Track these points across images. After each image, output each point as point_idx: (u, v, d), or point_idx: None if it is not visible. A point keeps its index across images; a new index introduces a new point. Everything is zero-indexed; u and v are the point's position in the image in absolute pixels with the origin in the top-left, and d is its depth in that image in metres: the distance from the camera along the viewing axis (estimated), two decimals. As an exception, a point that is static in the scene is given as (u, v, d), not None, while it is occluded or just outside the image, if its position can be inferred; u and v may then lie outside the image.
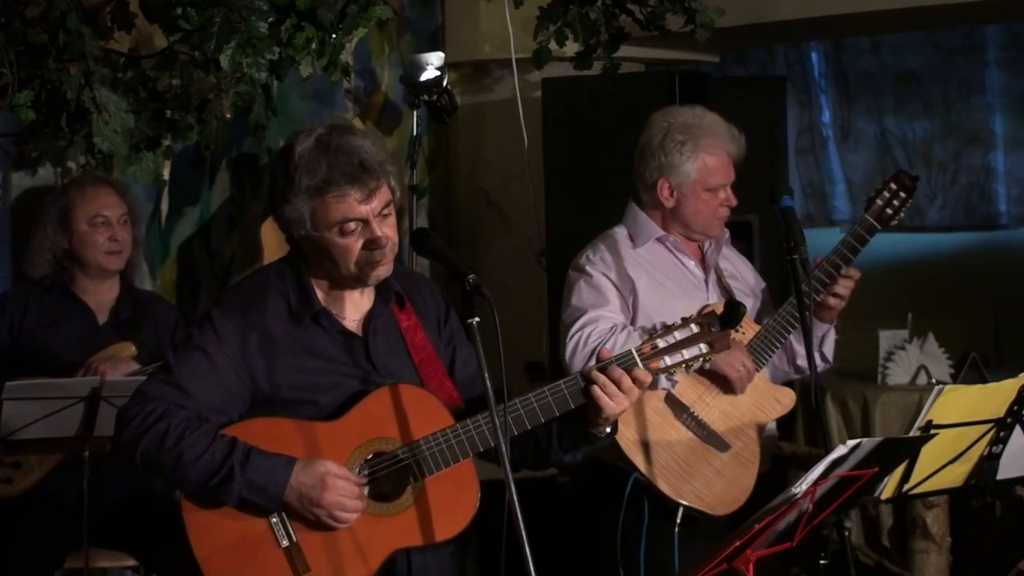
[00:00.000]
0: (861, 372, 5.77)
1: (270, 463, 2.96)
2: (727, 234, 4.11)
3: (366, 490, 3.02)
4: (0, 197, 4.94)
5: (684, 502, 3.82)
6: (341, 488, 2.95)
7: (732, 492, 3.86)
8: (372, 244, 3.00)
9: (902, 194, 3.99)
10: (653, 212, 4.03)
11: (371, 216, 2.99)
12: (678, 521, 3.83)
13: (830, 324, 4.05)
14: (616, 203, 4.22)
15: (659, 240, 4.02)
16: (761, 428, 3.96)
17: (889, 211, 3.99)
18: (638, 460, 3.81)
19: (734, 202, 4.00)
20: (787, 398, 4.01)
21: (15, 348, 4.54)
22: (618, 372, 3.02)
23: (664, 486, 3.82)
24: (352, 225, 2.99)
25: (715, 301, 3.98)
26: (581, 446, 3.15)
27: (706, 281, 4.05)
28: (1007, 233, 7.11)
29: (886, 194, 4.00)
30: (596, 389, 3.02)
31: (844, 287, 3.95)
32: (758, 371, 3.95)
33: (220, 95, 4.61)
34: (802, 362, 4.08)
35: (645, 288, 3.95)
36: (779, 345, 3.97)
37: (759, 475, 3.93)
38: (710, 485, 3.85)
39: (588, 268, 3.97)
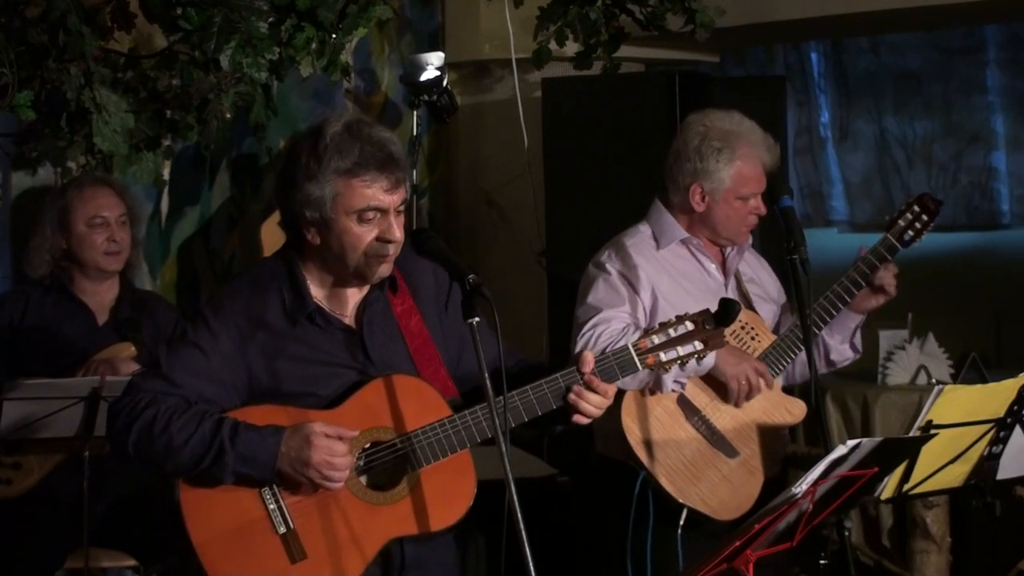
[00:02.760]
0: (861, 372, 5.76)
1: (258, 434, 2.96)
2: (749, 239, 4.10)
3: (360, 464, 3.02)
4: (0, 197, 4.94)
5: (688, 504, 3.82)
6: (326, 447, 2.94)
7: (737, 498, 3.86)
8: (385, 237, 3.01)
9: (924, 217, 3.95)
10: (680, 214, 4.00)
11: (392, 208, 3.01)
12: (681, 523, 3.83)
13: (864, 315, 4.03)
14: (616, 203, 4.23)
15: (683, 242, 4.01)
16: (770, 437, 3.95)
17: (911, 233, 3.95)
18: (645, 458, 3.82)
19: (763, 211, 3.96)
20: (798, 409, 4.00)
21: (15, 348, 4.54)
22: (604, 386, 3.05)
23: (669, 486, 3.82)
24: (371, 214, 2.99)
25: None
26: (558, 424, 3.17)
27: (726, 285, 4.03)
28: (1009, 233, 7.11)
29: (909, 216, 3.95)
30: (572, 396, 3.05)
31: (889, 277, 3.94)
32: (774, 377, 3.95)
33: (220, 95, 4.61)
34: (835, 356, 4.10)
35: (666, 290, 3.93)
36: (794, 355, 3.95)
37: (766, 479, 3.93)
38: (716, 489, 3.85)
39: (608, 266, 3.96)
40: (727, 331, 3.77)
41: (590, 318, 3.89)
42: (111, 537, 4.43)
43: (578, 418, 3.07)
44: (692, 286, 3.97)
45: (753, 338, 3.95)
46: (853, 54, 7.32)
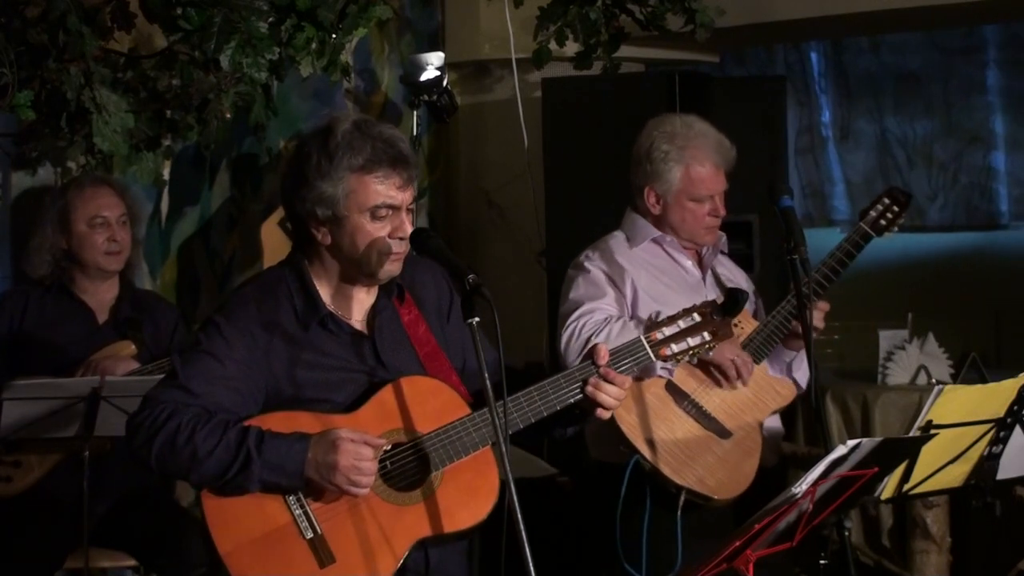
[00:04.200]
0: (861, 372, 5.77)
1: (285, 442, 2.95)
2: (723, 238, 4.13)
3: (383, 466, 3.02)
4: (0, 197, 4.94)
5: (686, 484, 3.84)
6: (352, 451, 2.92)
7: (734, 478, 3.89)
8: (397, 233, 3.01)
9: (895, 208, 4.05)
10: (648, 217, 4.08)
11: (404, 205, 3.02)
12: (680, 505, 3.84)
13: (798, 351, 4.05)
14: (616, 203, 4.24)
15: (655, 240, 4.07)
16: (762, 418, 3.98)
17: (883, 222, 4.06)
18: (640, 445, 3.85)
19: (722, 212, 4.04)
20: (787, 389, 4.05)
21: (15, 348, 4.53)
22: (620, 377, 3.07)
23: (666, 469, 3.84)
24: (384, 211, 3.00)
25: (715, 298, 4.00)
26: (571, 425, 3.18)
27: (704, 280, 4.09)
28: (1008, 233, 7.11)
29: (880, 207, 4.06)
30: (589, 388, 3.06)
31: (817, 319, 3.93)
32: (756, 364, 3.98)
33: (220, 95, 4.61)
34: (798, 375, 4.10)
35: (646, 284, 3.99)
36: (777, 342, 4.00)
37: (765, 468, 3.95)
38: (712, 470, 3.88)
39: (587, 264, 4.03)
40: None
41: (572, 311, 3.95)
42: (111, 537, 4.43)
43: (600, 412, 3.08)
44: (670, 281, 4.03)
45: (735, 324, 3.97)
46: (853, 54, 7.32)
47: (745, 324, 4.00)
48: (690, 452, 3.88)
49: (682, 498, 3.85)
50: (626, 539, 3.91)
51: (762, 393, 3.99)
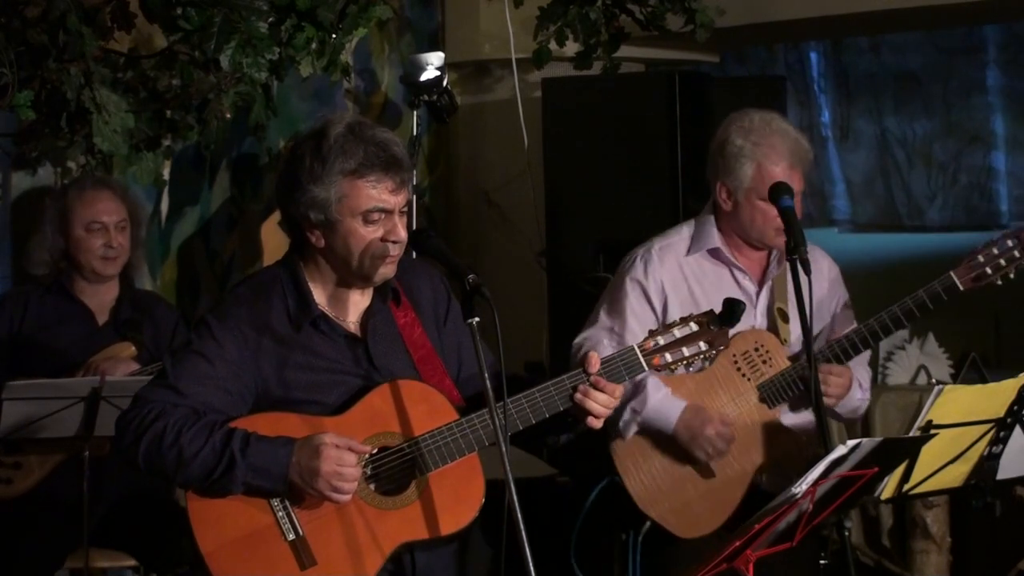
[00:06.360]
0: (861, 372, 5.76)
1: (270, 445, 2.95)
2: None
3: (368, 470, 3.02)
4: (0, 197, 4.94)
5: (653, 516, 3.83)
6: (335, 457, 2.92)
7: (705, 518, 3.82)
8: (390, 237, 3.01)
9: (1016, 253, 3.81)
10: (718, 213, 3.94)
11: (397, 208, 3.02)
12: (643, 532, 3.83)
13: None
14: (616, 203, 4.23)
15: (712, 252, 3.93)
16: (752, 469, 3.87)
17: (989, 270, 3.85)
18: (622, 467, 3.84)
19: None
20: (791, 444, 3.89)
21: (15, 348, 4.53)
22: (611, 386, 3.05)
23: (638, 498, 3.83)
24: (377, 215, 3.00)
25: (759, 324, 3.91)
26: (564, 432, 3.17)
27: (756, 296, 3.94)
28: (1008, 233, 7.11)
29: (995, 250, 3.84)
30: (578, 396, 3.05)
31: (836, 386, 3.82)
32: (771, 408, 3.86)
33: (220, 95, 4.62)
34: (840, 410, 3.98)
35: (684, 301, 3.86)
36: (798, 389, 3.83)
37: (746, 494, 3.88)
38: (686, 507, 3.83)
39: (632, 275, 3.92)
40: (740, 352, 3.77)
41: (593, 324, 3.90)
42: (111, 537, 4.43)
43: (591, 420, 3.07)
44: (710, 300, 3.79)
45: (765, 362, 3.86)
46: (853, 54, 7.33)
47: (776, 361, 3.86)
48: (667, 485, 3.84)
49: (647, 525, 3.83)
50: (583, 542, 3.89)
51: (765, 441, 3.86)
